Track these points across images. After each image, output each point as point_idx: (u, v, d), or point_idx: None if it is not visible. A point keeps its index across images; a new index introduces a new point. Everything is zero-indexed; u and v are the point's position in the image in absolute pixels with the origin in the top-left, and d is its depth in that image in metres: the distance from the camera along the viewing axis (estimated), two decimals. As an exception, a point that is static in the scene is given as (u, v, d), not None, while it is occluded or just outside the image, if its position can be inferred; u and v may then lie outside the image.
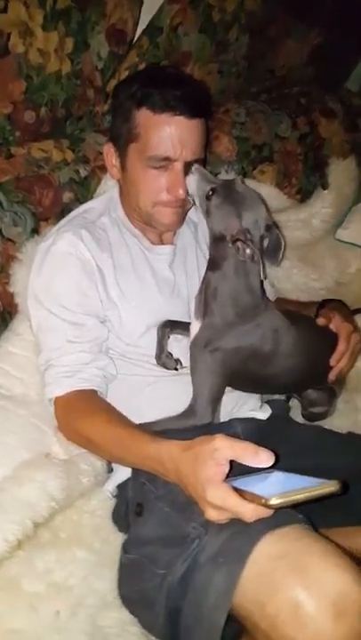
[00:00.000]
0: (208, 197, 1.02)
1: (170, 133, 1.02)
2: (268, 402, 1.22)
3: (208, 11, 1.37)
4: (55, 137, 1.31)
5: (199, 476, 0.75)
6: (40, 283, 1.07)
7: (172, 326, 1.11)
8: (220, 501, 0.73)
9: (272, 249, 1.06)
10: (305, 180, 1.71)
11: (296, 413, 1.29)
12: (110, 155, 1.12)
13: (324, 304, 1.28)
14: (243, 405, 1.14)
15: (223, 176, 1.54)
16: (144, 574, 0.85)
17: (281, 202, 1.65)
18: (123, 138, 1.08)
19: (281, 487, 0.69)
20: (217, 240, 1.04)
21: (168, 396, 1.08)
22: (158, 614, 0.83)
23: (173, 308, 1.13)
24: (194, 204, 1.07)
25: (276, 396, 1.28)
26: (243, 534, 0.76)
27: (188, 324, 1.09)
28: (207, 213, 1.04)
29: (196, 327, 1.07)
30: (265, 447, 1.04)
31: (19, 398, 1.08)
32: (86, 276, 1.06)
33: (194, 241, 1.23)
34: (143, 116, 1.03)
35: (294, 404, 1.31)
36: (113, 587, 0.92)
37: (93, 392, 1.03)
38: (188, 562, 0.80)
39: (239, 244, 0.99)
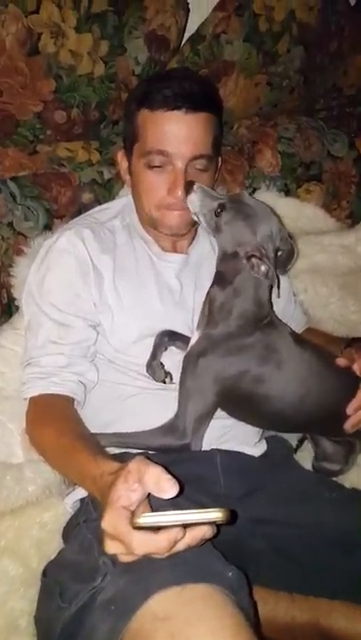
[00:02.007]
0: (217, 214, 0.98)
1: (166, 128, 0.99)
2: (268, 438, 1.12)
3: (254, 19, 1.32)
4: (88, 139, 1.32)
5: (107, 500, 0.68)
6: (36, 278, 1.07)
7: (171, 337, 1.06)
8: (112, 527, 0.65)
9: (284, 259, 1.02)
10: (358, 203, 1.58)
11: (307, 459, 1.17)
12: (122, 160, 1.12)
13: (352, 342, 1.16)
14: (234, 437, 1.04)
15: (264, 191, 1.47)
16: (51, 603, 0.79)
17: (326, 224, 1.53)
18: (129, 141, 1.07)
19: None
20: (228, 257, 0.99)
21: (151, 409, 1.02)
22: None
23: (174, 319, 1.07)
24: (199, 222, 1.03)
25: (286, 436, 1.17)
26: (140, 583, 0.68)
27: (189, 338, 1.04)
28: (216, 230, 1.00)
29: (194, 339, 1.02)
30: (247, 488, 0.98)
31: (-7, 392, 1.07)
32: (81, 277, 1.04)
33: (213, 253, 1.17)
34: (143, 115, 1.02)
35: (308, 449, 1.18)
36: (32, 610, 0.86)
37: (62, 398, 0.99)
38: (85, 599, 0.73)
39: (254, 260, 0.95)
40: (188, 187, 1.00)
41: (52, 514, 0.99)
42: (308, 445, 1.19)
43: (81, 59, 1.20)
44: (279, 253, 1.00)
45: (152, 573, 0.68)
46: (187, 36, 1.36)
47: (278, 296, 0.99)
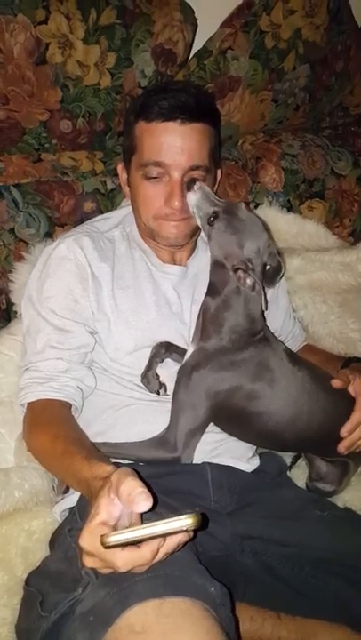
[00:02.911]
0: (210, 222, 0.98)
1: (162, 139, 1.00)
2: (261, 455, 1.11)
3: (261, 36, 1.33)
4: (93, 149, 1.33)
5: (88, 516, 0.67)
6: (35, 285, 1.07)
7: (168, 348, 1.05)
8: (90, 547, 0.64)
9: (271, 274, 1.01)
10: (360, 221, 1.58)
11: (300, 477, 1.15)
12: (122, 172, 1.13)
13: (349, 362, 1.15)
14: (226, 451, 1.03)
15: (266, 207, 1.47)
16: (32, 611, 0.78)
17: (328, 241, 1.53)
18: (127, 153, 1.08)
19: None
20: (217, 265, 0.99)
21: (144, 420, 1.02)
22: None
23: (170, 330, 1.07)
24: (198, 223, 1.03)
25: (280, 453, 1.16)
26: (118, 595, 0.67)
27: (185, 351, 1.03)
28: (208, 237, 1.00)
29: (189, 352, 1.01)
30: (237, 503, 0.97)
31: (-13, 396, 1.07)
32: (80, 283, 1.04)
33: None
34: (140, 127, 1.03)
35: (302, 467, 1.17)
36: (14, 619, 0.85)
37: (59, 403, 0.99)
38: (65, 609, 0.72)
39: (240, 273, 0.95)
40: (190, 184, 1.00)
41: (41, 522, 0.98)
42: (302, 464, 1.18)
43: (88, 70, 1.22)
44: (267, 268, 1.00)
45: (132, 585, 0.67)
46: (194, 50, 1.38)
47: (265, 309, 0.99)
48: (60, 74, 1.19)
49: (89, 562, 0.65)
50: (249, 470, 1.05)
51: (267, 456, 1.12)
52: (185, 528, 0.57)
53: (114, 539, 0.57)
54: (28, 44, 1.14)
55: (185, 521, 0.56)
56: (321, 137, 1.58)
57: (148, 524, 0.57)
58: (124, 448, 0.98)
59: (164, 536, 0.57)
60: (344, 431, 1.01)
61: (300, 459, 1.18)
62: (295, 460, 1.19)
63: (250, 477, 1.04)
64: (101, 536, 0.58)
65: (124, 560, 0.62)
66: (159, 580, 0.67)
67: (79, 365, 1.01)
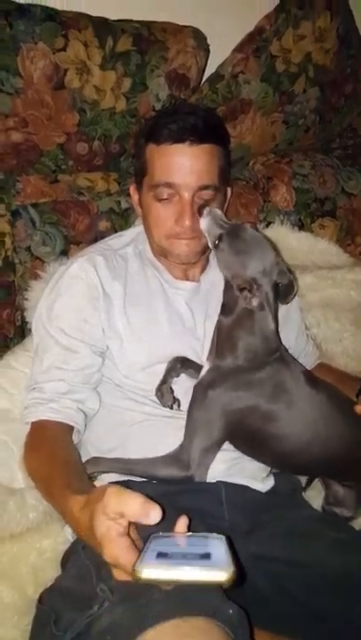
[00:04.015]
0: (215, 245, 1.00)
1: (172, 160, 1.02)
2: (276, 475, 1.09)
3: (271, 61, 1.37)
4: (108, 170, 1.37)
5: (96, 535, 0.66)
6: (46, 303, 1.08)
7: (184, 363, 1.06)
8: (114, 560, 0.64)
9: (284, 292, 1.01)
10: (372, 240, 1.59)
11: (316, 498, 1.13)
12: (134, 193, 1.15)
13: None
14: (241, 470, 1.02)
15: (278, 225, 1.49)
16: (46, 631, 0.77)
17: (340, 259, 1.54)
18: (138, 175, 1.10)
19: (171, 558, 0.58)
20: (228, 286, 1.01)
21: (157, 436, 1.01)
22: None
23: (184, 346, 1.07)
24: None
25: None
26: (136, 615, 0.66)
27: (201, 367, 1.03)
28: (217, 259, 1.02)
29: (205, 369, 1.01)
30: (251, 523, 0.96)
31: (0, 412, 1.07)
32: (90, 302, 1.05)
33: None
34: (150, 149, 1.05)
35: (318, 488, 1.15)
36: None
37: (58, 425, 0.99)
38: (81, 628, 0.71)
39: (246, 293, 0.96)
40: (200, 210, 1.02)
41: (52, 541, 0.97)
42: (317, 485, 1.16)
43: (104, 94, 1.26)
44: (279, 286, 1.00)
45: (150, 604, 0.66)
46: (206, 75, 1.42)
47: (275, 328, 0.99)
48: (77, 98, 1.24)
49: (119, 575, 0.64)
50: (263, 490, 1.03)
51: (281, 476, 1.10)
52: (219, 583, 0.56)
53: (146, 575, 0.55)
54: (48, 70, 1.18)
55: (221, 577, 0.55)
56: (331, 157, 1.60)
57: (183, 566, 0.55)
58: (136, 464, 0.97)
59: (197, 585, 0.56)
60: None
61: (316, 480, 1.17)
62: (310, 481, 1.16)
63: (264, 497, 1.02)
64: (132, 570, 0.57)
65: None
66: (177, 599, 0.66)
67: (82, 387, 1.02)
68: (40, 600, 0.85)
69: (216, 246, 0.99)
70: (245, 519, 0.97)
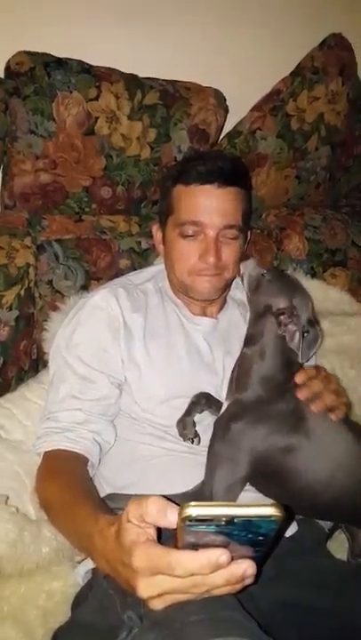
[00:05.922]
0: (263, 274, 1.03)
1: (199, 200, 1.07)
2: (299, 521, 1.04)
3: (287, 119, 1.46)
4: (129, 214, 1.42)
5: (124, 544, 0.62)
6: (65, 332, 1.09)
7: (208, 400, 1.05)
8: (147, 559, 0.59)
9: (307, 345, 1.00)
10: (383, 291, 1.63)
11: (339, 549, 1.09)
12: (157, 232, 1.19)
13: None
14: None
15: (290, 274, 1.52)
16: None
17: (352, 307, 1.55)
18: (163, 214, 1.14)
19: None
20: (259, 315, 1.02)
21: (176, 473, 0.98)
22: None
23: (202, 380, 1.07)
24: (241, 281, 1.09)
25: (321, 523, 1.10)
26: (172, 638, 0.62)
27: (221, 405, 1.02)
28: (256, 288, 1.04)
29: (225, 405, 1.00)
30: (275, 569, 0.89)
31: (13, 443, 1.05)
32: (110, 333, 1.06)
33: (242, 321, 1.20)
34: (177, 190, 1.10)
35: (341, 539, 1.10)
36: None
37: (74, 455, 0.97)
38: None
39: (283, 317, 0.97)
40: (245, 257, 1.09)
41: (61, 584, 0.92)
42: (341, 536, 1.11)
43: (130, 142, 1.33)
44: (305, 335, 1.00)
45: (185, 627, 0.61)
46: (224, 132, 1.51)
47: (302, 362, 0.99)
48: (105, 144, 1.31)
49: (148, 585, 0.58)
50: (287, 535, 0.98)
51: (305, 522, 1.05)
52: (269, 516, 0.53)
53: (191, 510, 0.51)
54: (80, 117, 1.26)
55: (270, 510, 0.53)
56: (341, 213, 1.67)
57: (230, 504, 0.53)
58: None
59: (249, 519, 0.52)
60: None
61: (338, 530, 1.12)
62: (332, 531, 1.11)
63: (288, 543, 0.96)
64: (180, 507, 0.54)
65: (181, 561, 0.56)
66: (211, 622, 0.62)
67: (98, 418, 1.00)
68: (54, 639, 0.80)
69: (263, 275, 1.03)
70: (271, 564, 0.92)
